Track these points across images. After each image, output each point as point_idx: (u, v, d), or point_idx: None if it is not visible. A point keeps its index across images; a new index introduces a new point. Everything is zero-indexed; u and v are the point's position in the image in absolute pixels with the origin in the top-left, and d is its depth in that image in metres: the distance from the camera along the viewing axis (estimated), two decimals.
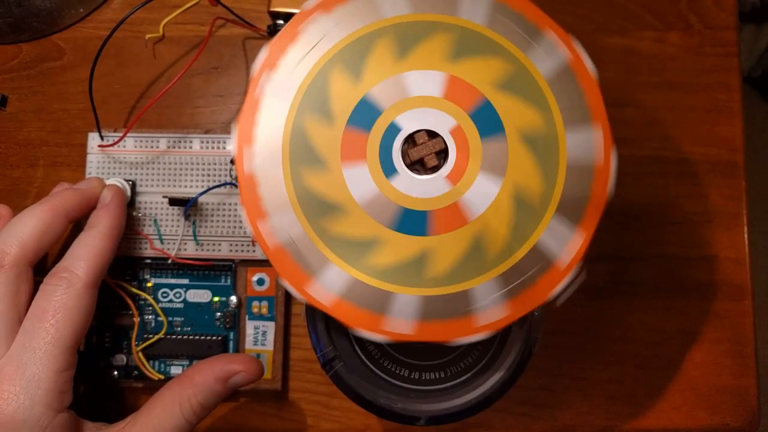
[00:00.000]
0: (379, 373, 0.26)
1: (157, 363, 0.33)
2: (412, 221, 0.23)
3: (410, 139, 0.23)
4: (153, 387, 0.33)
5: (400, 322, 0.22)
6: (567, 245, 0.22)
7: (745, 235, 0.36)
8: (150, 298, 0.33)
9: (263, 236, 0.22)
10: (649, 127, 0.36)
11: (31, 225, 0.29)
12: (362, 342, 0.26)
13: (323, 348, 0.26)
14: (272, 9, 0.35)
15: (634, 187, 0.36)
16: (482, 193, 0.23)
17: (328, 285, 0.22)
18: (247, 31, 0.36)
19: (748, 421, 0.34)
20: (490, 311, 0.22)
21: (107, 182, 0.33)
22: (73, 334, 0.27)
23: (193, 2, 0.34)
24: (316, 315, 0.26)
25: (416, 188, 0.23)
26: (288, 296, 0.34)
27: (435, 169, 0.23)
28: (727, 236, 0.35)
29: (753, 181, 0.36)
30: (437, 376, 0.26)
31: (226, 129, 0.36)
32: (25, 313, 0.28)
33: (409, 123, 0.23)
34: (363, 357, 0.26)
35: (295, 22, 0.24)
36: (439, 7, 0.24)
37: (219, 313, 0.33)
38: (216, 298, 0.33)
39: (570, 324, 0.35)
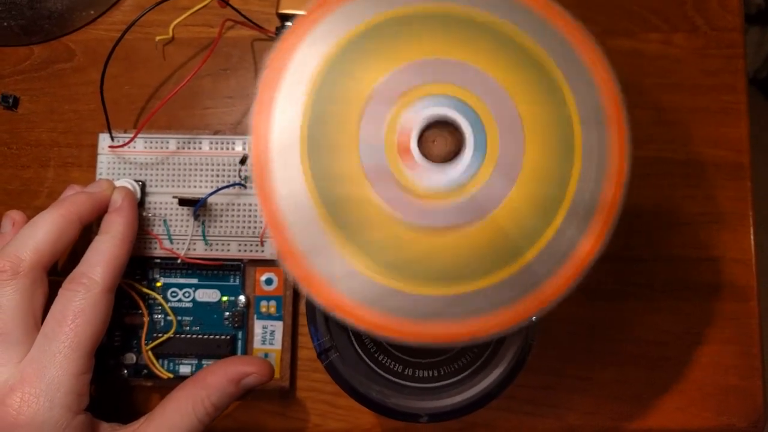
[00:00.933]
0: (374, 367, 0.26)
1: (166, 362, 0.33)
2: (425, 215, 0.22)
3: (427, 129, 0.23)
4: (162, 386, 0.33)
5: (401, 321, 0.22)
6: (575, 250, 0.22)
7: (752, 237, 0.36)
8: (159, 298, 0.34)
9: (274, 219, 0.22)
10: (655, 128, 0.36)
11: (45, 231, 0.29)
12: (359, 335, 0.27)
13: (320, 338, 0.26)
14: (281, 11, 0.35)
15: (640, 188, 0.36)
16: (495, 191, 0.22)
17: (333, 278, 0.22)
18: (256, 32, 0.37)
19: (754, 422, 0.34)
20: (495, 313, 0.22)
21: (117, 183, 0.33)
22: (91, 338, 0.28)
23: (202, 4, 0.34)
24: (315, 305, 0.26)
25: (431, 180, 0.22)
26: (296, 296, 0.34)
27: (451, 159, 0.23)
28: (733, 237, 0.35)
29: (759, 183, 0.36)
30: (431, 374, 0.26)
31: (235, 130, 0.36)
32: (41, 317, 0.29)
33: (426, 112, 0.23)
34: (359, 350, 0.26)
35: (301, 20, 0.24)
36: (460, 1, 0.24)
37: (227, 313, 0.34)
38: (225, 298, 0.34)
39: (575, 324, 0.35)
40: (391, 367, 0.27)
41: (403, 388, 0.26)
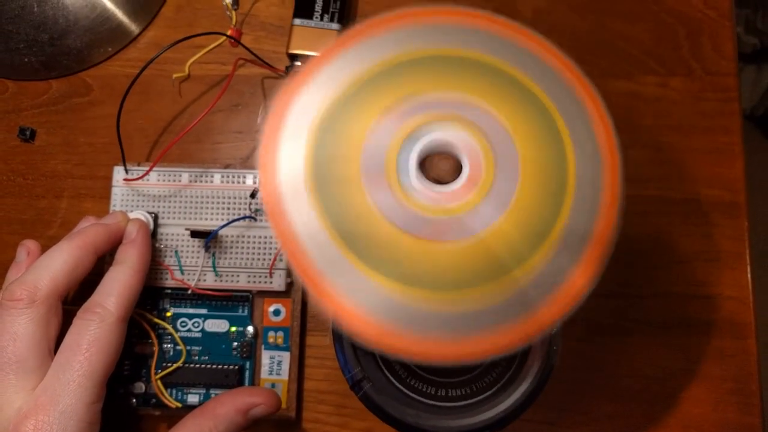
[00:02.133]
0: (407, 392, 0.27)
1: (174, 391, 0.34)
2: (424, 226, 0.23)
3: (429, 155, 0.24)
4: (170, 415, 0.34)
5: (407, 331, 0.22)
6: (567, 280, 0.23)
7: (749, 274, 0.36)
8: (169, 327, 0.34)
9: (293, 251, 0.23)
10: (653, 167, 0.37)
11: (61, 261, 0.30)
12: (388, 362, 0.27)
13: (351, 370, 0.26)
14: (290, 51, 0.37)
15: (639, 226, 0.36)
16: (483, 215, 0.23)
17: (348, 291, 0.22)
18: (266, 71, 0.38)
19: None
20: (493, 331, 0.22)
21: (131, 215, 0.34)
22: (104, 368, 0.29)
23: (216, 43, 0.36)
24: (342, 337, 0.26)
25: (429, 199, 0.23)
26: (303, 327, 0.35)
27: (449, 182, 0.23)
28: (730, 275, 0.36)
29: (757, 220, 0.37)
30: (464, 392, 0.27)
31: (245, 164, 0.37)
32: (55, 345, 0.29)
33: (428, 138, 0.23)
34: (390, 376, 0.27)
35: (311, 63, 0.25)
36: (454, 43, 0.24)
37: (236, 343, 0.34)
38: (233, 328, 0.34)
39: (576, 359, 0.35)
40: (423, 389, 0.27)
41: (439, 410, 0.27)
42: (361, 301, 0.22)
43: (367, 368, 0.27)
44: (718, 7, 0.39)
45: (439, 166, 0.24)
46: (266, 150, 0.24)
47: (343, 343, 0.27)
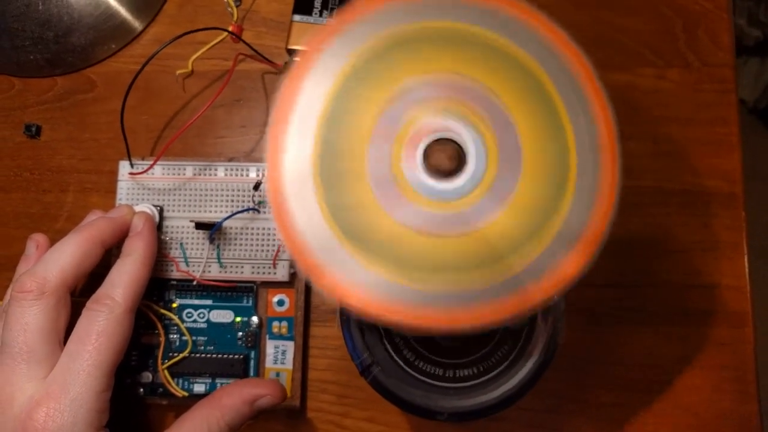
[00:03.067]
0: (415, 374, 0.27)
1: (181, 380, 0.34)
2: (428, 221, 0.23)
3: (432, 144, 0.24)
4: (177, 404, 0.34)
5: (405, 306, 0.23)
6: (559, 267, 0.23)
7: (746, 264, 0.36)
8: (175, 318, 0.35)
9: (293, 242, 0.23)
10: (651, 159, 0.37)
11: (69, 253, 0.31)
12: (396, 346, 0.28)
13: (360, 355, 0.27)
14: (290, 47, 0.37)
15: (637, 217, 0.37)
16: (484, 210, 0.23)
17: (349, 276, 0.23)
18: (267, 66, 0.38)
19: None
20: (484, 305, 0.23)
21: (137, 209, 0.34)
22: (113, 357, 0.29)
23: (218, 39, 0.36)
24: (350, 323, 0.27)
25: (431, 191, 0.23)
26: (307, 316, 0.35)
27: (452, 173, 0.24)
28: (728, 265, 0.36)
29: (759, 211, 0.37)
30: (472, 372, 0.27)
31: (248, 157, 0.38)
32: (64, 335, 0.30)
33: (433, 130, 0.24)
34: (398, 360, 0.27)
35: (306, 54, 0.25)
36: (452, 16, 0.24)
37: (241, 333, 0.35)
38: (238, 319, 0.35)
39: (575, 348, 0.35)
40: (432, 371, 0.27)
41: (447, 390, 0.27)
42: (362, 287, 0.23)
43: (376, 353, 0.27)
44: None
45: (439, 154, 0.24)
46: (273, 143, 0.24)
47: (352, 329, 0.27)
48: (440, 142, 0.24)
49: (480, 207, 0.23)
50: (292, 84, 0.24)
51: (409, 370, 0.27)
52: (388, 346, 0.28)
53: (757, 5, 1.00)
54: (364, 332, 0.27)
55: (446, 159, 0.24)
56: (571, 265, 0.23)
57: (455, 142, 0.24)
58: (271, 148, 0.24)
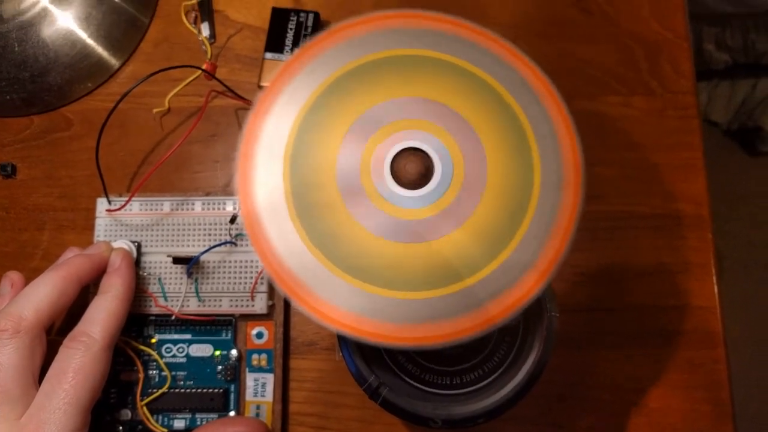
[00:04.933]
0: (423, 387, 0.27)
1: (161, 417, 0.34)
2: (395, 231, 0.24)
3: (399, 157, 0.24)
4: None
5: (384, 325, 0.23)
6: (517, 285, 0.24)
7: (715, 285, 0.37)
8: (154, 354, 0.35)
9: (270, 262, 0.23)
10: (619, 184, 0.38)
11: (45, 291, 0.31)
12: (400, 363, 0.28)
13: (366, 379, 0.27)
14: (261, 84, 0.38)
15: (608, 241, 0.37)
16: (438, 225, 0.24)
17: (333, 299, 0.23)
18: (240, 102, 0.39)
19: None
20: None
21: (114, 245, 0.35)
22: (90, 395, 0.29)
23: (193, 77, 0.37)
24: (350, 348, 0.27)
25: (399, 200, 0.24)
26: (286, 348, 0.36)
27: (418, 185, 0.24)
28: (698, 286, 0.37)
29: (733, 231, 0.38)
30: (476, 376, 0.27)
31: (225, 191, 0.38)
32: (39, 373, 0.30)
33: (400, 142, 0.24)
34: (404, 377, 0.27)
35: (269, 90, 0.26)
36: (421, 43, 0.25)
37: (220, 366, 0.35)
38: (217, 352, 0.35)
39: (553, 373, 0.35)
40: (438, 381, 0.27)
41: (455, 397, 0.27)
42: (339, 303, 0.23)
43: (381, 374, 0.27)
44: (675, 28, 0.40)
45: (406, 167, 0.24)
46: (242, 174, 0.25)
47: (353, 355, 0.27)
48: (408, 151, 0.24)
49: (432, 221, 0.24)
50: (256, 119, 0.25)
51: (416, 384, 0.28)
52: (392, 365, 0.28)
53: (723, 31, 1.02)
54: (366, 356, 0.27)
55: (413, 166, 0.24)
56: (529, 284, 0.24)
57: (422, 151, 0.24)
58: (241, 179, 0.24)
